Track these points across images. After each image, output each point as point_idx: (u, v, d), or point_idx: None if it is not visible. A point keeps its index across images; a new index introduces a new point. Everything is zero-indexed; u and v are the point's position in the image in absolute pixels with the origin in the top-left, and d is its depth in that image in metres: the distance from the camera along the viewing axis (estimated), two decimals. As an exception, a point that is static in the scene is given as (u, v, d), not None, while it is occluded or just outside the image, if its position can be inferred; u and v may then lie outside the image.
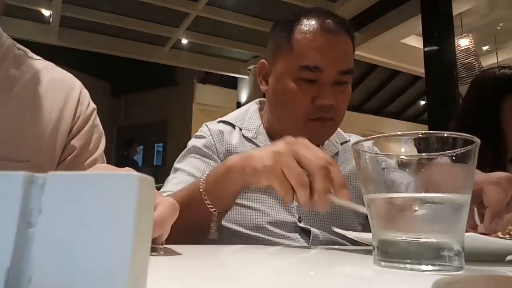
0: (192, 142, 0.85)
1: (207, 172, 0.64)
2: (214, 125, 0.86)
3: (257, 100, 0.95)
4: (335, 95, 0.75)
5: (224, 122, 0.88)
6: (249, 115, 0.89)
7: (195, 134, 0.88)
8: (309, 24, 0.76)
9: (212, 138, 0.83)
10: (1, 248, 0.16)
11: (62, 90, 0.64)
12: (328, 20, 0.76)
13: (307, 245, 0.75)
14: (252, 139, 0.84)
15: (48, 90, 0.62)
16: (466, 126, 1.11)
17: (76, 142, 0.64)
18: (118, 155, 6.70)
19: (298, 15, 0.79)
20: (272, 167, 0.53)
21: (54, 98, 0.62)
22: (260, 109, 0.92)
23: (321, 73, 0.74)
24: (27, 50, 0.66)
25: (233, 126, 0.87)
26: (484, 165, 1.04)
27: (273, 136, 0.85)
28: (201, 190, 0.61)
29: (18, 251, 0.16)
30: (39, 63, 0.65)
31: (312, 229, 0.75)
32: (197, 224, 0.62)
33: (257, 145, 0.83)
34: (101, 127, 0.72)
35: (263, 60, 0.85)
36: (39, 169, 0.60)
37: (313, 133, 0.78)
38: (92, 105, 0.70)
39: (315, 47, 0.75)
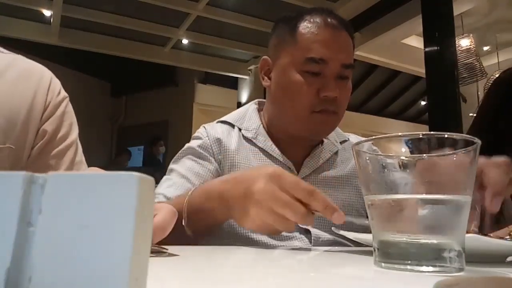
0: (189, 144, 0.85)
1: (196, 186, 0.64)
2: (212, 129, 0.85)
3: (255, 100, 0.95)
4: (338, 89, 0.77)
5: (223, 122, 0.88)
6: (248, 115, 0.89)
7: (193, 135, 0.88)
8: (312, 20, 0.79)
9: (209, 140, 0.83)
10: (1, 248, 0.16)
11: (32, 79, 0.66)
12: (330, 17, 0.80)
13: (308, 245, 0.74)
14: (252, 139, 0.84)
15: (18, 80, 0.65)
16: (485, 126, 1.11)
17: (47, 126, 0.67)
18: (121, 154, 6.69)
19: (301, 13, 0.82)
20: (258, 224, 0.55)
21: (25, 87, 0.65)
22: (259, 110, 0.92)
23: (326, 66, 0.76)
24: None
25: (232, 126, 0.87)
26: None
27: (273, 135, 0.85)
28: (184, 218, 0.61)
29: (18, 251, 0.16)
30: (8, 56, 0.67)
31: (313, 230, 0.75)
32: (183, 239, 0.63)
33: (257, 146, 0.83)
34: (73, 115, 0.73)
35: (265, 57, 0.87)
36: (14, 153, 0.59)
37: (317, 126, 0.79)
38: (63, 94, 0.72)
39: (320, 40, 0.77)
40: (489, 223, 1.00)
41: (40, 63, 0.73)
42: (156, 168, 5.59)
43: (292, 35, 0.79)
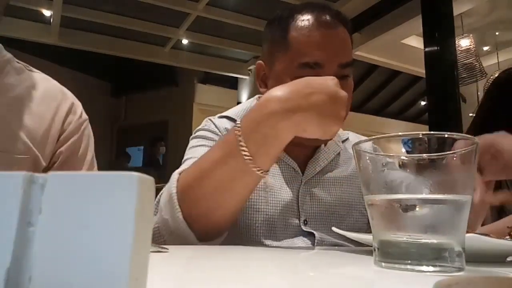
0: (197, 133, 0.82)
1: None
2: (219, 123, 0.82)
3: (257, 96, 0.91)
4: None
5: (226, 117, 0.85)
6: None
7: (197, 128, 0.84)
8: (304, 20, 0.74)
9: (219, 131, 0.80)
10: (1, 248, 0.16)
11: (55, 99, 0.71)
12: (323, 14, 0.74)
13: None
14: None
15: (42, 98, 0.70)
16: (485, 126, 1.11)
17: (65, 149, 0.71)
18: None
19: (292, 11, 0.77)
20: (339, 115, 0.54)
21: (48, 105, 0.70)
22: None
23: (322, 69, 0.72)
24: (26, 64, 0.73)
25: (235, 121, 0.83)
26: None
27: None
28: (242, 151, 0.52)
29: (18, 251, 0.16)
30: (37, 75, 0.72)
31: (316, 233, 0.74)
32: (231, 179, 0.55)
33: None
34: (91, 136, 0.77)
35: (260, 61, 0.82)
36: (34, 163, 0.64)
37: None
38: (84, 116, 0.77)
39: (312, 43, 0.72)
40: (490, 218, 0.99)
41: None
42: (156, 168, 5.59)
43: (283, 40, 0.75)
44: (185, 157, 0.78)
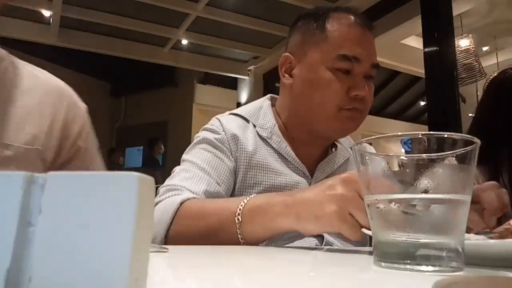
0: (203, 134, 0.81)
1: (245, 200, 0.60)
2: (228, 124, 0.81)
3: (268, 96, 0.92)
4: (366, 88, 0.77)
5: (237, 115, 0.85)
6: (263, 112, 0.86)
7: (205, 126, 0.84)
8: (341, 17, 0.78)
9: (226, 135, 0.79)
10: (1, 248, 0.16)
11: (53, 94, 0.72)
12: (356, 15, 0.79)
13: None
14: (267, 139, 0.82)
15: (44, 97, 0.70)
16: (483, 126, 1.11)
17: (82, 143, 0.73)
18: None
19: (327, 10, 0.81)
20: (340, 213, 0.51)
21: (48, 102, 0.71)
22: (272, 106, 0.89)
23: (358, 64, 0.75)
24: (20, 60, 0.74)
25: (247, 120, 0.84)
26: (500, 163, 1.04)
27: (289, 134, 0.83)
28: (237, 224, 0.59)
29: (18, 251, 0.16)
30: (34, 69, 0.73)
31: (326, 236, 0.74)
32: (219, 241, 0.61)
33: (272, 146, 0.82)
34: (89, 122, 0.78)
35: (286, 54, 0.83)
36: (42, 155, 0.66)
37: (345, 124, 0.78)
38: (83, 105, 0.77)
39: (352, 37, 0.76)
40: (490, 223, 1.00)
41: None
42: (155, 168, 5.58)
43: (321, 32, 0.77)
44: (186, 155, 0.79)
